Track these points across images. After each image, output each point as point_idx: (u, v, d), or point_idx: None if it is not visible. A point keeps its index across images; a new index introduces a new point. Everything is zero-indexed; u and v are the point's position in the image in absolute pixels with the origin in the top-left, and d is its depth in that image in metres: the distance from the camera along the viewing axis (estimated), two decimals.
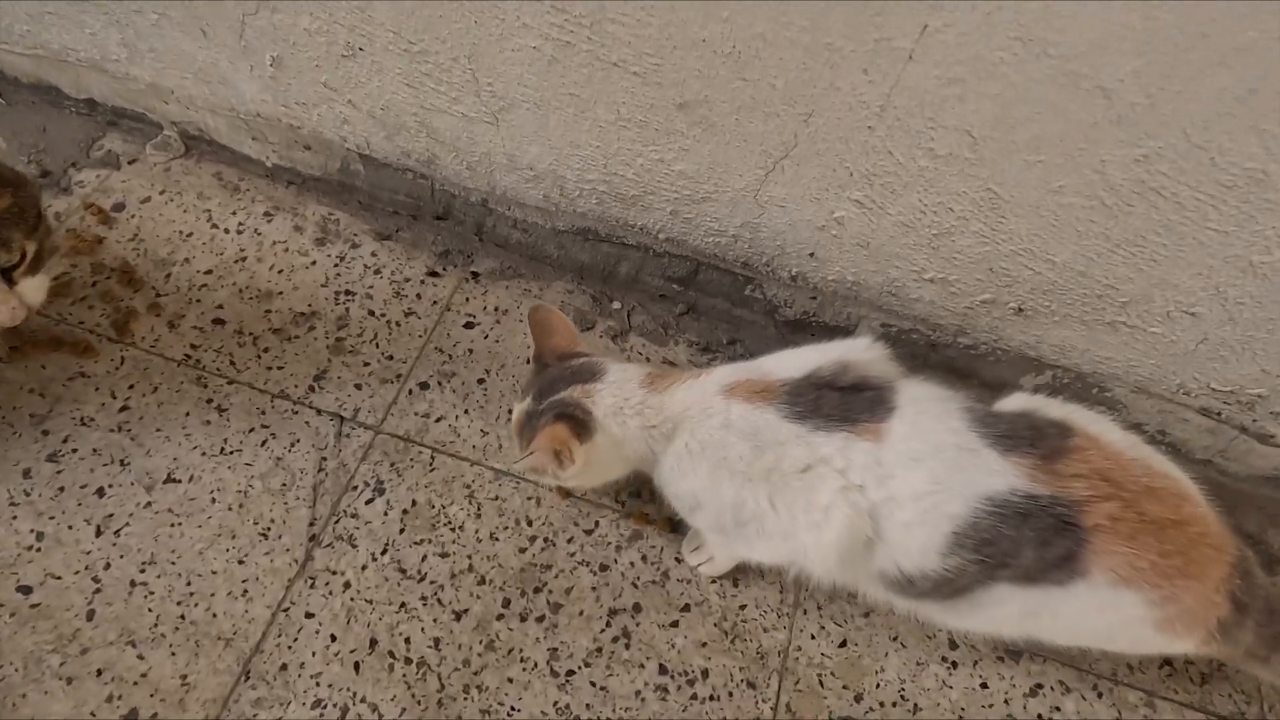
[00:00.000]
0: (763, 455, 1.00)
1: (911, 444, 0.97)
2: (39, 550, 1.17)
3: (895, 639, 1.23)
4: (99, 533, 1.20)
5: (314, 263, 1.50)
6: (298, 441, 1.30)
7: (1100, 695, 1.21)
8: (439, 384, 1.39)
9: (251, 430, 1.31)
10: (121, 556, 1.18)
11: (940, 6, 0.95)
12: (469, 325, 1.46)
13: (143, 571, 1.18)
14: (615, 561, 1.25)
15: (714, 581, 1.24)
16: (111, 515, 1.21)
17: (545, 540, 1.26)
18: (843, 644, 1.22)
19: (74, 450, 1.26)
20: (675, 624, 1.21)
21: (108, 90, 1.56)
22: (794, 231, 1.29)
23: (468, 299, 1.49)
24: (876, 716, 1.17)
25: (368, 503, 1.26)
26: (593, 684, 1.16)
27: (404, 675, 1.14)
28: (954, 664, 1.22)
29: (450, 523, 1.26)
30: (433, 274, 1.51)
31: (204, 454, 1.28)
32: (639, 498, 1.30)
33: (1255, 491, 1.38)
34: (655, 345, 1.48)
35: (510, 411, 1.35)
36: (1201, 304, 1.15)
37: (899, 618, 1.21)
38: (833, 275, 1.34)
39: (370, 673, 1.14)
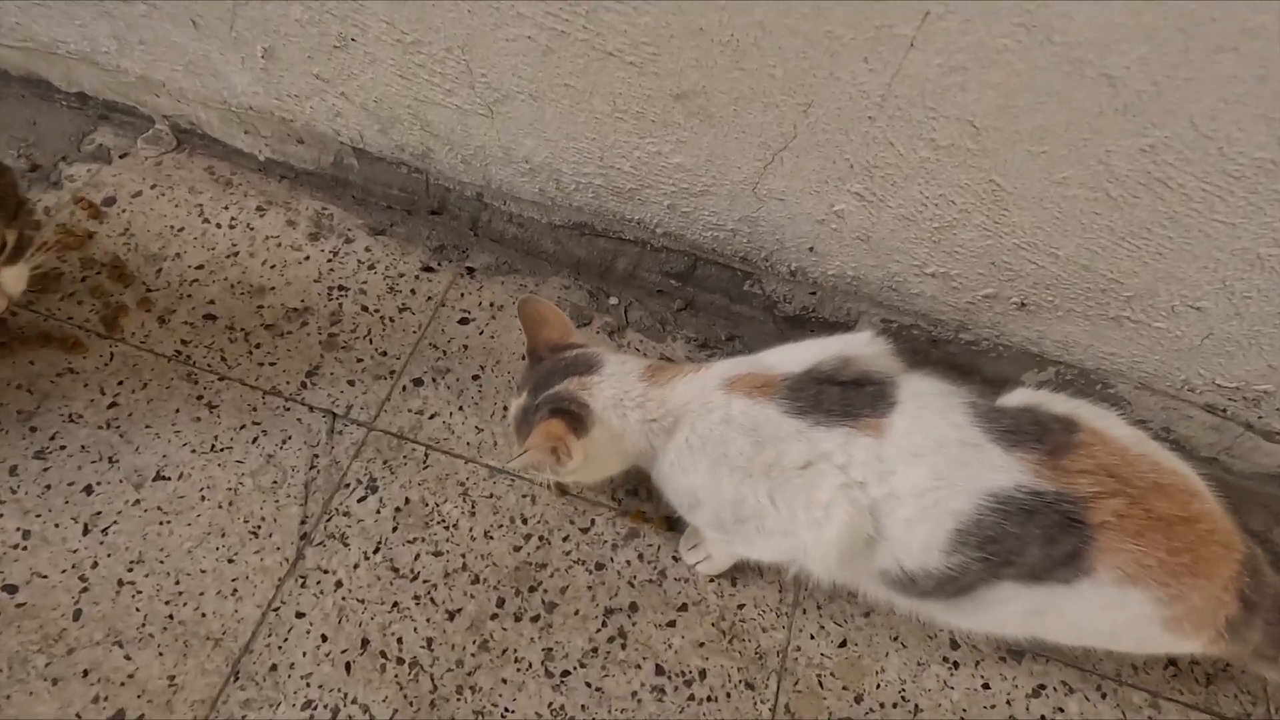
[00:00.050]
0: (763, 451, 0.99)
1: (913, 439, 0.95)
2: (25, 549, 1.15)
3: (896, 639, 1.21)
4: (86, 531, 1.18)
5: (307, 258, 1.48)
6: (289, 438, 1.28)
7: (1104, 696, 1.19)
8: (433, 380, 1.37)
9: (242, 427, 1.29)
10: (109, 555, 1.16)
11: None
12: (464, 321, 1.44)
13: (131, 570, 1.16)
14: (611, 560, 1.23)
15: (712, 580, 1.22)
16: (99, 513, 1.19)
17: (540, 539, 1.24)
18: (843, 644, 1.20)
19: (62, 447, 1.24)
20: (672, 624, 1.19)
21: (98, 83, 1.54)
22: (793, 225, 1.27)
23: (463, 294, 1.47)
24: (877, 718, 1.15)
25: (360, 500, 1.25)
26: (588, 685, 1.14)
27: (396, 676, 1.12)
28: (955, 664, 1.20)
29: (444, 521, 1.24)
30: (427, 269, 1.49)
31: (194, 451, 1.26)
32: (636, 495, 1.29)
33: (1260, 489, 1.37)
34: (653, 341, 1.46)
35: (506, 408, 1.34)
36: (1207, 298, 1.13)
37: (900, 617, 1.20)
38: (832, 270, 1.32)
39: (362, 673, 1.12)
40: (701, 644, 1.18)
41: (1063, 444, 0.93)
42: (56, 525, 1.17)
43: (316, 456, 1.28)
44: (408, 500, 1.25)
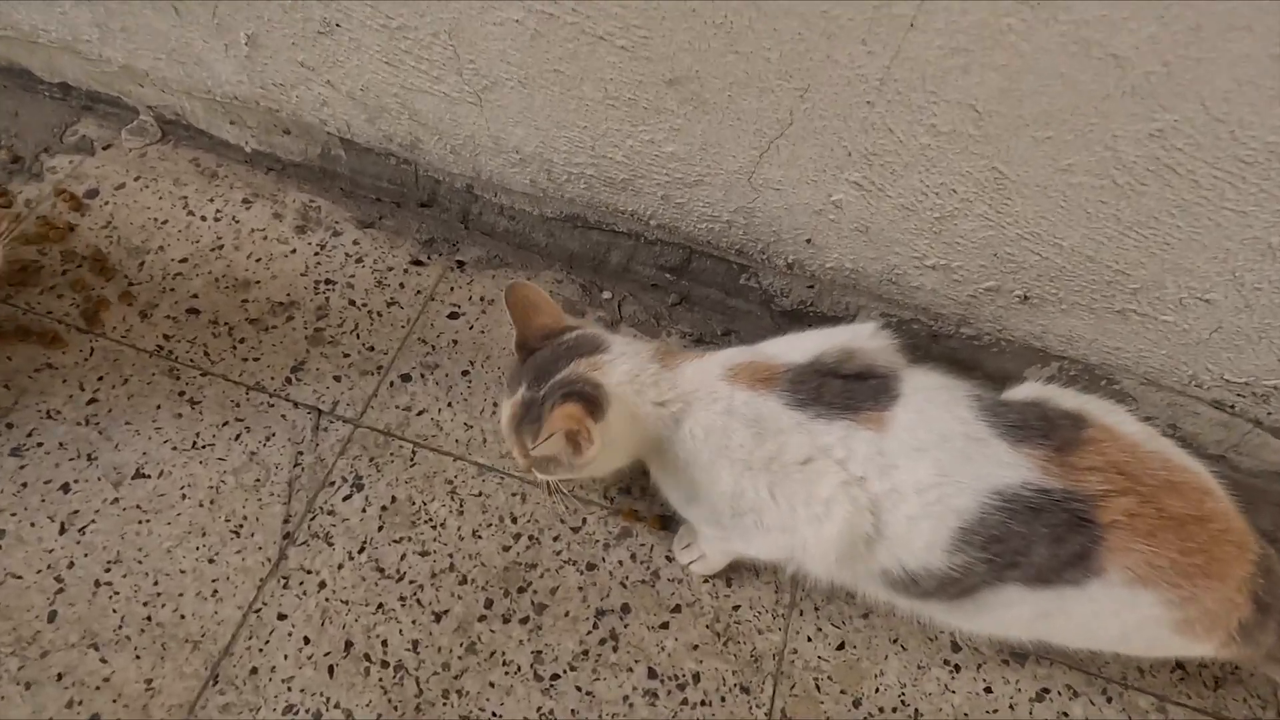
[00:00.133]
0: (764, 444, 0.95)
1: (917, 433, 0.93)
2: None
3: (895, 641, 1.18)
4: (63, 530, 1.15)
5: (293, 251, 1.44)
6: (273, 435, 1.25)
7: (1110, 700, 1.16)
8: (421, 376, 1.34)
9: (225, 424, 1.26)
10: (86, 555, 1.13)
11: None
12: (453, 315, 1.41)
13: (108, 571, 1.12)
14: (603, 560, 1.20)
15: (706, 581, 1.19)
16: (77, 512, 1.16)
17: (530, 538, 1.21)
18: (841, 646, 1.17)
19: (39, 444, 1.20)
20: (665, 625, 1.16)
21: (81, 73, 1.51)
22: (790, 216, 1.24)
23: (452, 288, 1.44)
24: None
25: (345, 499, 1.21)
26: (578, 688, 1.10)
27: (380, 679, 1.09)
28: (957, 667, 1.17)
29: (431, 520, 1.21)
30: (416, 263, 1.46)
31: (175, 448, 1.22)
32: (629, 494, 1.25)
33: (1269, 487, 1.34)
34: (647, 336, 1.43)
35: (496, 405, 1.31)
36: (1216, 290, 1.10)
37: (899, 619, 1.17)
38: (831, 262, 1.29)
39: (345, 677, 1.08)
40: (695, 646, 1.15)
41: (1071, 440, 0.91)
42: (32, 524, 1.14)
43: (301, 454, 1.24)
44: (394, 499, 1.22)
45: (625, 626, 1.15)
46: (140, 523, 1.16)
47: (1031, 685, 1.16)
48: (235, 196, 1.50)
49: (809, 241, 1.27)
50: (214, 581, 1.13)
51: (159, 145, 1.55)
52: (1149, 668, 1.18)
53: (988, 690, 1.16)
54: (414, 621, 1.13)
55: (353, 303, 1.40)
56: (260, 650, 1.09)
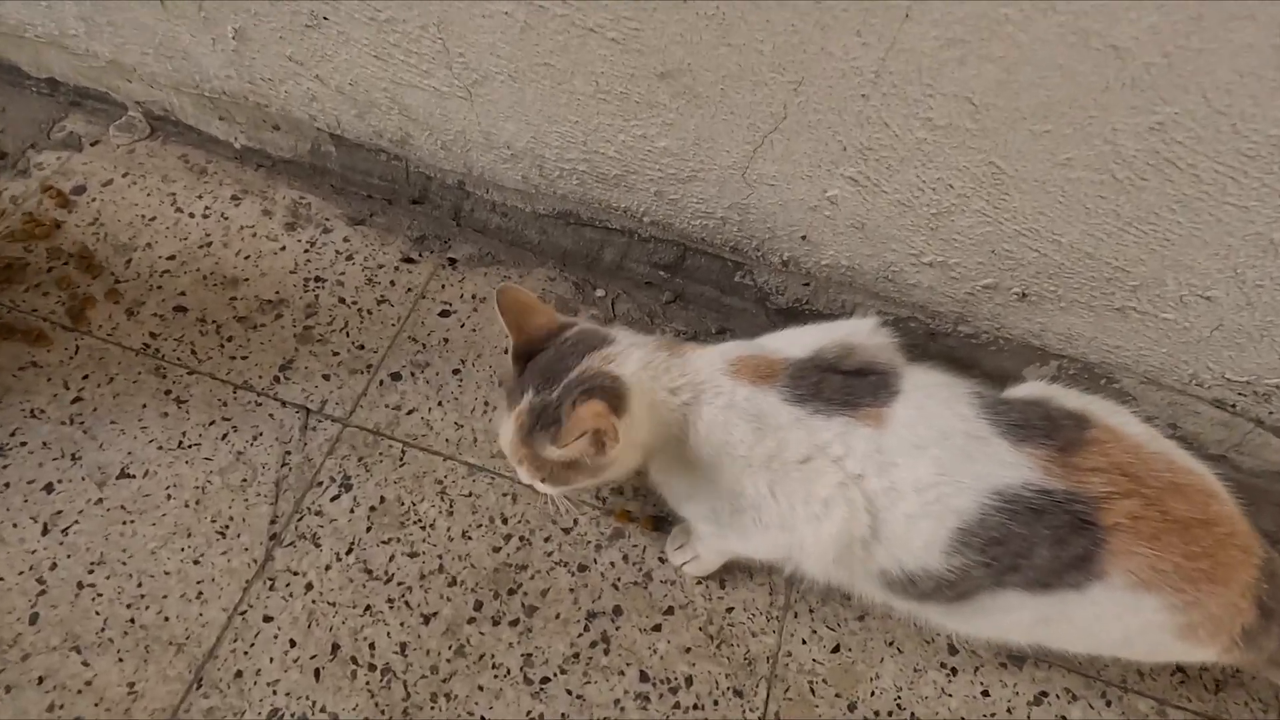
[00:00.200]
0: (764, 440, 0.93)
1: (917, 430, 0.91)
2: None
3: (891, 644, 1.16)
4: (46, 531, 1.13)
5: (283, 248, 1.43)
6: (260, 435, 1.23)
7: (1109, 704, 1.14)
8: (412, 375, 1.32)
9: (212, 423, 1.24)
10: (69, 556, 1.11)
11: None
12: (445, 313, 1.39)
13: (91, 572, 1.11)
14: (595, 561, 1.18)
15: (699, 582, 1.17)
16: (60, 512, 1.14)
17: (521, 539, 1.19)
18: (836, 649, 1.15)
19: (22, 444, 1.19)
20: (658, 628, 1.14)
21: (68, 68, 1.49)
22: (785, 212, 1.22)
23: (444, 286, 1.42)
24: None
25: (333, 499, 1.19)
26: (569, 692, 1.09)
27: (367, 683, 1.07)
28: (954, 670, 1.15)
29: (420, 520, 1.19)
30: (407, 260, 1.44)
31: (160, 448, 1.21)
32: (621, 494, 1.24)
33: (1270, 488, 1.32)
34: (641, 335, 1.40)
35: (488, 404, 1.29)
36: (1218, 287, 1.09)
37: (895, 621, 1.15)
38: (826, 260, 1.27)
39: (331, 680, 1.07)
40: (688, 649, 1.13)
41: (1074, 440, 0.89)
42: (15, 525, 1.13)
43: (288, 454, 1.23)
44: (383, 499, 1.20)
45: (617, 629, 1.14)
46: (124, 523, 1.14)
47: (1029, 688, 1.15)
48: (224, 193, 1.48)
49: (804, 238, 1.25)
50: (199, 583, 1.11)
51: (147, 141, 1.53)
52: (1149, 671, 1.17)
53: (985, 694, 1.14)
54: (402, 624, 1.11)
55: (343, 300, 1.38)
56: (245, 653, 1.07)
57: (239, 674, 1.06)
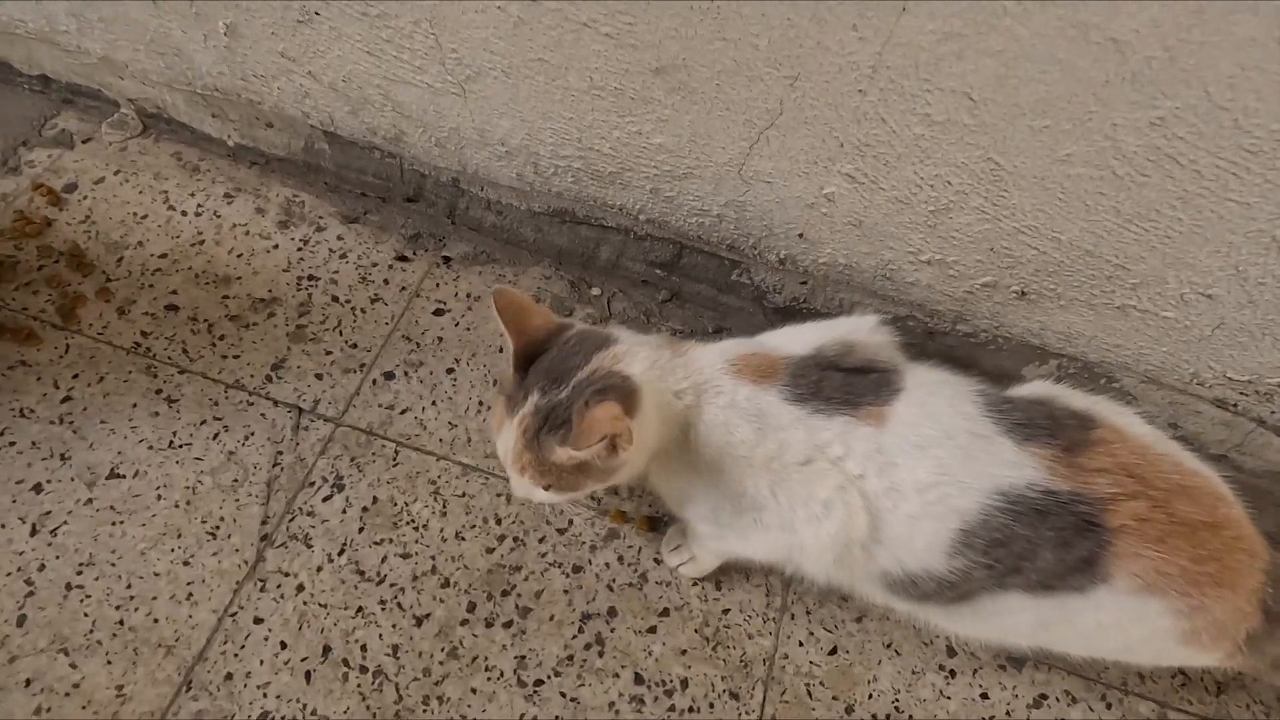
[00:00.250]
0: (765, 441, 0.92)
1: (919, 429, 0.90)
2: None
3: (889, 646, 1.14)
4: (34, 531, 1.12)
5: (276, 246, 1.41)
6: (252, 434, 1.22)
7: (1109, 706, 1.13)
8: (405, 374, 1.31)
9: (203, 422, 1.23)
10: (57, 557, 1.10)
11: None
12: (439, 312, 1.38)
13: (80, 573, 1.09)
14: (589, 563, 1.17)
15: (695, 584, 1.16)
16: (49, 513, 1.13)
17: (515, 540, 1.18)
18: (833, 651, 1.14)
19: (11, 443, 1.18)
20: (653, 630, 1.13)
21: (60, 66, 1.48)
22: (782, 210, 1.21)
23: (438, 285, 1.41)
24: None
25: (325, 500, 1.18)
26: (563, 694, 1.07)
27: (359, 685, 1.06)
28: (952, 672, 1.14)
29: (413, 521, 1.18)
30: (402, 258, 1.43)
31: (151, 448, 1.20)
32: (616, 495, 1.22)
33: (1272, 488, 1.31)
34: (637, 334, 1.39)
35: (482, 403, 1.28)
36: (1219, 285, 1.07)
37: (893, 623, 1.14)
38: (824, 258, 1.26)
39: (322, 682, 1.05)
40: (683, 651, 1.12)
41: (1079, 440, 0.88)
42: (3, 525, 1.11)
43: (280, 453, 1.21)
44: (375, 499, 1.19)
45: (612, 631, 1.12)
46: (114, 524, 1.13)
47: (1029, 691, 1.13)
48: (217, 191, 1.47)
49: (801, 236, 1.24)
50: (189, 585, 1.10)
51: (140, 139, 1.52)
52: (1150, 673, 1.16)
53: (984, 696, 1.13)
54: (394, 625, 1.10)
55: (336, 299, 1.37)
56: (236, 655, 1.06)
57: (229, 676, 1.05)
